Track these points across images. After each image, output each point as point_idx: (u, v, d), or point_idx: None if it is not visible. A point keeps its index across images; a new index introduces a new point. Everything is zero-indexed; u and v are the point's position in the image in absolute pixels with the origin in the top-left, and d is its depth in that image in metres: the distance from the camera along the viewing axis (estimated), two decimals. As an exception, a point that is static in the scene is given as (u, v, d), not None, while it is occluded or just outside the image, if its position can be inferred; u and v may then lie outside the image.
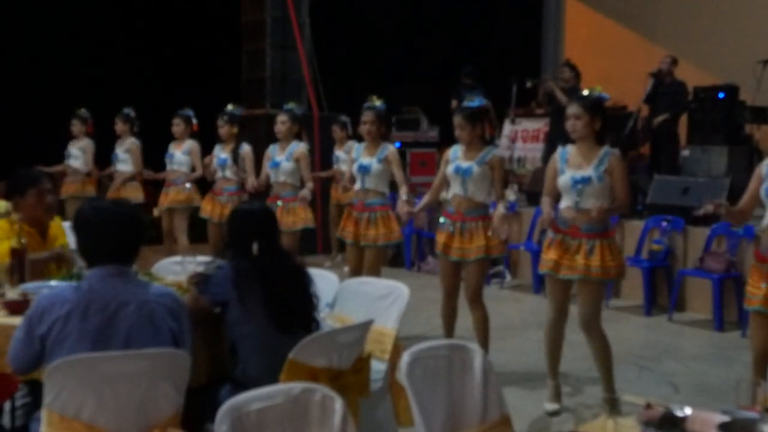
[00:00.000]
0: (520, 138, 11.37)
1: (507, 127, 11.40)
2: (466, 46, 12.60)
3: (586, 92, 4.80)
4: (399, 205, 5.61)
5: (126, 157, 8.95)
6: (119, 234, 2.94)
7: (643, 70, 10.01)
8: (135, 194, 8.88)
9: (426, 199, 5.66)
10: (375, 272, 5.97)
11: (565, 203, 4.71)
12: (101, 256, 2.92)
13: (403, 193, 5.75)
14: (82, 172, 9.29)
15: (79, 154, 9.27)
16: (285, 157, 6.97)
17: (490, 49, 12.34)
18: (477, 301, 5.34)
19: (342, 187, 8.27)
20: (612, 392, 4.69)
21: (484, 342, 5.31)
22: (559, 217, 4.75)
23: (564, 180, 4.66)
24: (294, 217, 6.96)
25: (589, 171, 4.59)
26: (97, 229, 2.94)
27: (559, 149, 4.82)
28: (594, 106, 4.64)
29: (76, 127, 9.35)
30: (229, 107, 7.96)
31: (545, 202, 4.81)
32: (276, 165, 7.00)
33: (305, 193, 6.91)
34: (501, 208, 5.20)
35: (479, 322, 5.37)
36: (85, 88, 10.45)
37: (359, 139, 6.32)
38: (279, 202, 6.96)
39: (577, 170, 4.62)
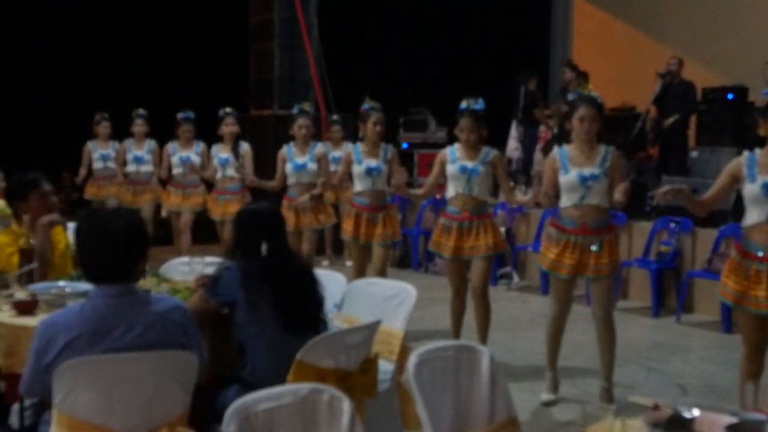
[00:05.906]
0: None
1: (514, 129, 11.34)
2: (473, 47, 12.58)
3: (587, 92, 4.93)
4: (396, 178, 5.59)
5: (150, 159, 9.03)
6: (122, 250, 2.80)
7: (652, 71, 9.99)
8: (159, 194, 9.03)
9: (423, 192, 5.90)
10: (383, 269, 6.20)
11: (569, 202, 4.82)
12: (105, 275, 2.80)
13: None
14: (115, 174, 9.39)
15: (112, 156, 9.36)
16: (309, 159, 7.08)
17: (497, 50, 12.32)
18: (484, 296, 5.54)
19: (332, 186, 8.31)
20: (609, 382, 4.93)
21: (485, 337, 5.55)
22: (562, 217, 4.85)
23: (570, 178, 4.78)
24: (313, 216, 7.12)
25: (595, 168, 4.76)
26: (99, 247, 2.81)
27: (556, 149, 4.98)
28: (601, 109, 4.87)
29: (107, 129, 9.39)
30: (228, 109, 8.07)
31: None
32: (302, 167, 7.06)
33: (315, 192, 6.97)
34: (520, 195, 5.86)
35: (485, 317, 5.57)
36: (91, 90, 10.48)
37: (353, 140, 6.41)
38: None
39: (582, 168, 4.77)
